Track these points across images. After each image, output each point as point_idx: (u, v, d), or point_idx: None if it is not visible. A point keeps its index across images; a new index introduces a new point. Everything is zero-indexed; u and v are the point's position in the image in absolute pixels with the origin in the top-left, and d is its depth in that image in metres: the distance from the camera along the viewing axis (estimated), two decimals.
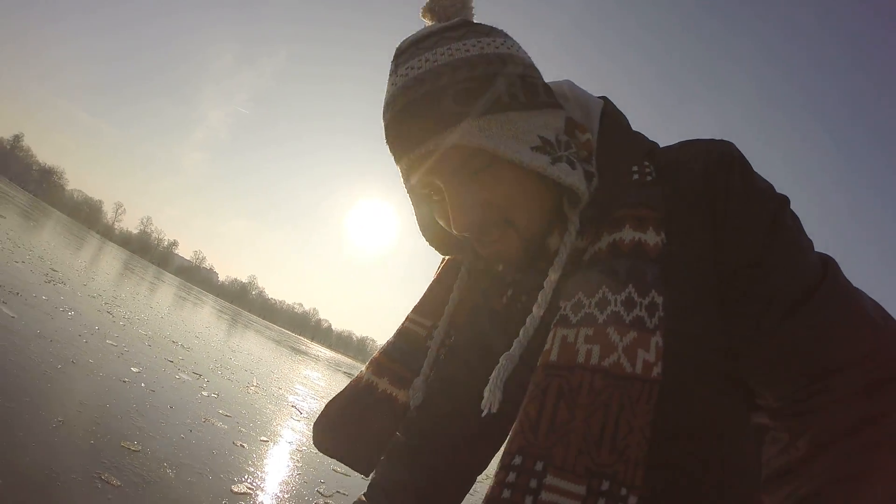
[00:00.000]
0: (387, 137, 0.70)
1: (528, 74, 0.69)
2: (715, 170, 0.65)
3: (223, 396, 6.95)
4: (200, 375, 7.68)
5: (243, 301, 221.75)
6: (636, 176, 0.68)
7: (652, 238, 0.63)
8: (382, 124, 0.71)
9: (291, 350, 34.03)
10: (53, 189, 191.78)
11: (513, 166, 0.66)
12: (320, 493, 4.56)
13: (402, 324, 0.87)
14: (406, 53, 0.70)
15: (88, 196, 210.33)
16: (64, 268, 12.28)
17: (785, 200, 0.64)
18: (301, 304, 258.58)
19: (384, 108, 0.70)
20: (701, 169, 0.66)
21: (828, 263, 0.63)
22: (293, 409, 8.81)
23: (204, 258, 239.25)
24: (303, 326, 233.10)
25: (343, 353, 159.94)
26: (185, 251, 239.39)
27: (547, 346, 0.63)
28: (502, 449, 0.64)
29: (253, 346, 19.60)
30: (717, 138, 0.70)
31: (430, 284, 0.89)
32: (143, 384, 5.45)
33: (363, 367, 0.87)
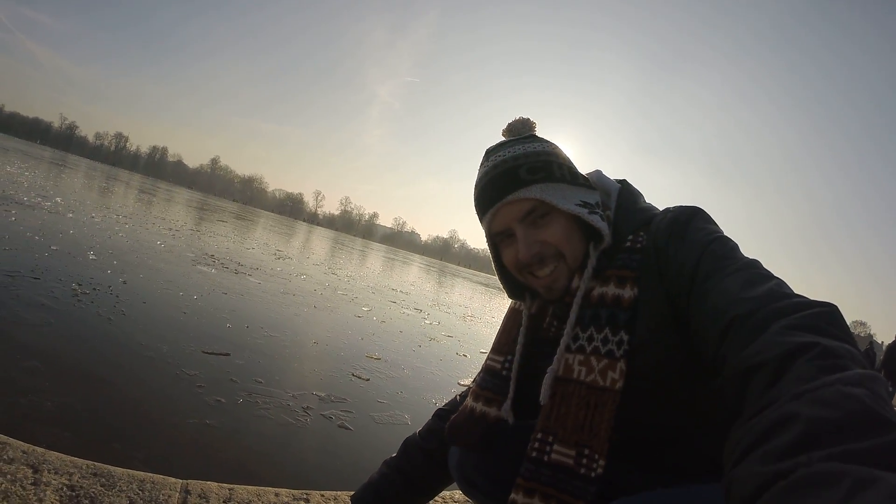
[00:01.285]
0: (479, 198, 1.01)
1: (570, 166, 1.00)
2: (662, 233, 0.90)
3: (444, 324, 7.68)
4: (421, 311, 8.56)
5: (448, 255, 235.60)
6: (628, 243, 0.94)
7: (627, 293, 0.89)
8: (474, 195, 1.03)
9: (499, 290, 35.51)
10: (257, 194, 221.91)
11: (563, 217, 0.95)
12: None
13: (485, 363, 1.18)
14: (494, 151, 1.01)
15: (289, 192, 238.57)
16: (286, 248, 14.42)
17: (715, 240, 0.84)
18: None
19: (477, 182, 1.02)
20: (657, 233, 0.91)
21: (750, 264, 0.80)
22: None
23: (404, 223, 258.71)
24: None
25: None
26: (385, 220, 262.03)
27: (556, 365, 0.94)
28: None
29: (463, 290, 20.96)
30: (683, 205, 0.94)
31: (498, 332, 1.20)
32: (374, 318, 6.30)
33: (468, 397, 1.18)
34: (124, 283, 4.38)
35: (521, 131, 1.05)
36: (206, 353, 3.11)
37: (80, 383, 2.25)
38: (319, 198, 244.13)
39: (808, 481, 0.39)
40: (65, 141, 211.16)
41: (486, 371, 1.15)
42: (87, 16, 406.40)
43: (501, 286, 1.13)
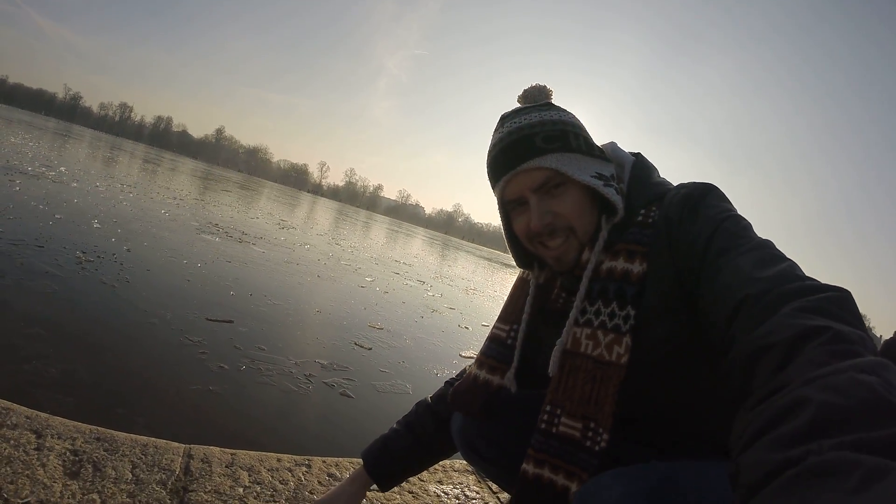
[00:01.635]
0: (492, 165, 0.99)
1: (587, 136, 0.98)
2: (675, 207, 0.88)
3: (446, 296, 7.70)
4: (424, 282, 8.59)
5: (451, 228, 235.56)
6: (640, 217, 0.93)
7: (636, 267, 0.89)
8: (487, 161, 1.00)
9: (502, 265, 35.60)
10: (261, 164, 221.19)
11: (577, 188, 0.94)
12: None
13: (491, 331, 1.17)
14: (509, 117, 1.00)
15: (294, 163, 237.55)
16: (290, 219, 14.42)
17: (728, 217, 0.83)
18: None
19: (490, 148, 1.00)
20: (669, 208, 0.90)
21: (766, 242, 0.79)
22: None
23: (409, 195, 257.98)
24: None
25: None
26: (390, 192, 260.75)
27: (564, 338, 0.94)
28: None
29: (466, 264, 21.04)
30: (697, 182, 0.93)
31: (506, 301, 1.19)
32: (377, 288, 6.32)
33: (473, 364, 1.18)
34: (128, 251, 4.39)
35: (537, 98, 1.03)
36: (210, 320, 3.13)
37: (83, 350, 2.26)
38: (324, 169, 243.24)
39: (819, 470, 0.38)
40: (69, 112, 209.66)
41: (492, 339, 1.16)
42: None
43: (510, 254, 1.12)
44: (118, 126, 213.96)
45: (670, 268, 0.86)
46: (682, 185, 0.95)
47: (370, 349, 3.54)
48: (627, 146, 1.10)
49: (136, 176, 13.57)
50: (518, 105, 1.05)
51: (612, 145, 1.07)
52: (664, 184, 1.00)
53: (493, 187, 1.02)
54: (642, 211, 0.95)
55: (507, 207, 1.02)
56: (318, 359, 3.01)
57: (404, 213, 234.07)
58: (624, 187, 0.99)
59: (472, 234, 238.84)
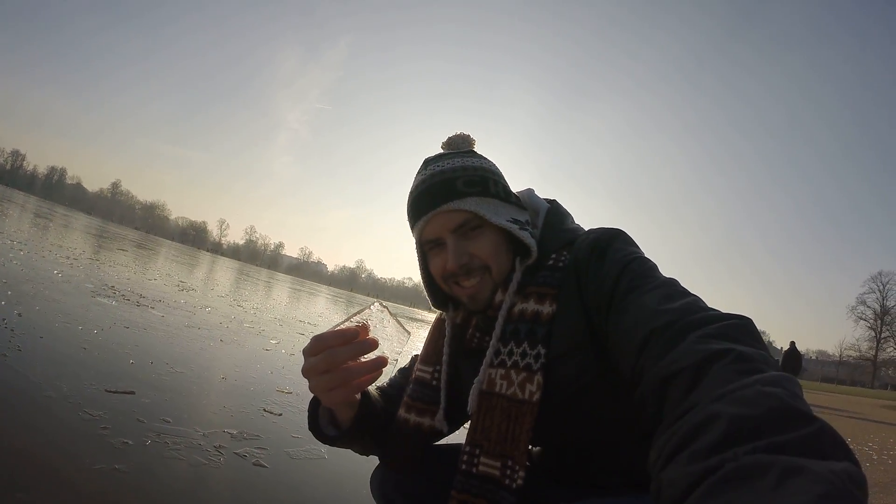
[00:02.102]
0: (413, 205, 1.05)
1: (505, 184, 1.07)
2: (584, 251, 0.96)
3: None
4: None
5: (355, 285, 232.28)
6: (551, 261, 1.00)
7: (546, 308, 0.95)
8: (408, 201, 1.06)
9: (408, 319, 35.51)
10: (159, 221, 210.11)
11: (493, 231, 1.02)
12: None
13: (415, 374, 1.20)
14: (432, 161, 1.07)
15: (192, 220, 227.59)
16: (189, 279, 13.72)
17: (634, 260, 0.90)
18: (411, 278, 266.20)
19: (412, 189, 1.06)
20: (578, 252, 0.97)
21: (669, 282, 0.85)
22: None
23: (310, 253, 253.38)
24: (415, 299, 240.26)
25: None
26: (291, 250, 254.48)
27: (481, 377, 0.99)
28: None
29: None
30: (606, 227, 1.01)
31: (425, 343, 1.23)
32: (283, 350, 6.17)
33: (400, 408, 1.18)
34: (19, 315, 4.07)
35: (460, 146, 1.10)
36: (110, 391, 2.95)
37: None
38: (224, 226, 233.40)
39: (737, 474, 0.40)
40: None
41: (417, 382, 1.17)
42: None
43: (426, 294, 1.17)
44: (9, 175, 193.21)
45: (579, 308, 0.92)
46: (591, 231, 1.02)
47: (280, 415, 3.48)
48: (537, 191, 1.20)
49: (26, 232, 12.49)
50: (441, 151, 1.11)
51: (529, 192, 1.15)
52: (576, 230, 1.07)
53: (412, 227, 1.06)
54: (553, 255, 1.01)
55: (425, 248, 1.07)
56: (227, 428, 2.93)
57: (307, 271, 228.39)
58: (537, 232, 1.06)
59: (376, 289, 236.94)
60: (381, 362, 0.84)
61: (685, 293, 0.80)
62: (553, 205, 1.14)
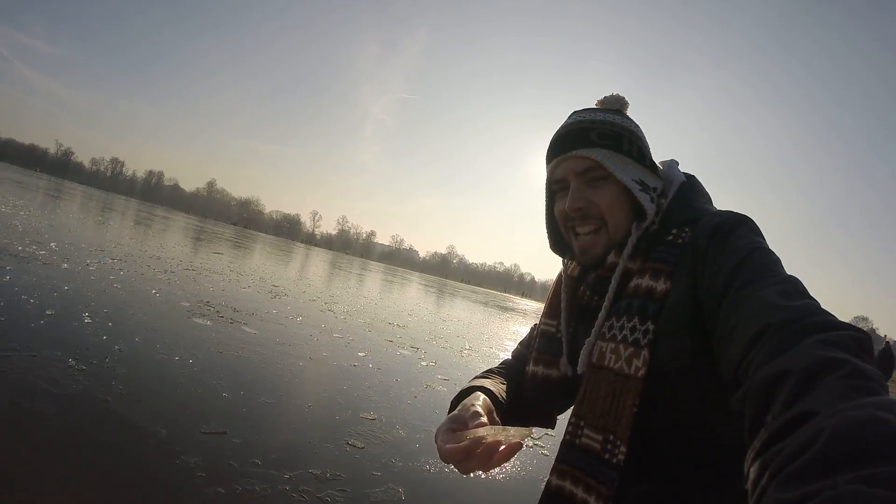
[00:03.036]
0: (549, 148, 1.09)
1: (642, 146, 1.05)
2: (704, 235, 0.93)
3: (440, 363, 7.78)
4: (418, 348, 8.65)
5: (446, 271, 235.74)
6: (671, 237, 0.99)
7: (660, 286, 0.93)
8: (549, 145, 1.10)
9: (499, 309, 35.58)
10: (254, 216, 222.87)
11: (616, 186, 1.01)
12: (534, 438, 4.97)
13: (540, 327, 1.21)
14: (577, 112, 1.09)
15: (286, 213, 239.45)
16: (283, 282, 14.56)
17: (757, 249, 0.86)
18: (502, 263, 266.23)
19: (555, 133, 1.08)
20: (701, 233, 0.94)
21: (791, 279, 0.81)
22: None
23: (402, 240, 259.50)
24: (507, 283, 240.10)
25: None
26: (383, 238, 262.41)
27: (591, 349, 0.99)
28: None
29: (462, 313, 21.10)
30: (732, 211, 0.97)
31: (549, 296, 1.24)
32: (370, 364, 6.40)
33: (528, 363, 1.19)
34: (120, 350, 4.47)
35: (611, 104, 1.11)
36: (204, 433, 3.20)
37: (89, 484, 2.34)
38: (316, 218, 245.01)
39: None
40: (61, 168, 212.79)
41: (542, 335, 1.19)
42: (83, 41, 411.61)
43: (547, 236, 1.20)
44: (110, 182, 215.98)
45: (690, 289, 0.91)
46: (717, 213, 0.99)
47: (363, 448, 3.61)
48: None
49: (126, 244, 13.64)
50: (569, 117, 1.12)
51: (672, 163, 1.14)
52: (704, 209, 1.04)
53: (547, 166, 1.11)
54: (674, 230, 1.00)
55: (553, 188, 1.10)
56: (311, 468, 3.08)
57: (399, 259, 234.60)
58: (664, 203, 1.04)
59: (467, 274, 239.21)
60: (515, 447, 0.83)
61: (805, 293, 0.77)
62: (690, 180, 1.12)
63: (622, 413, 0.89)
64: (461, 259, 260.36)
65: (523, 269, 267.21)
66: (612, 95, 1.12)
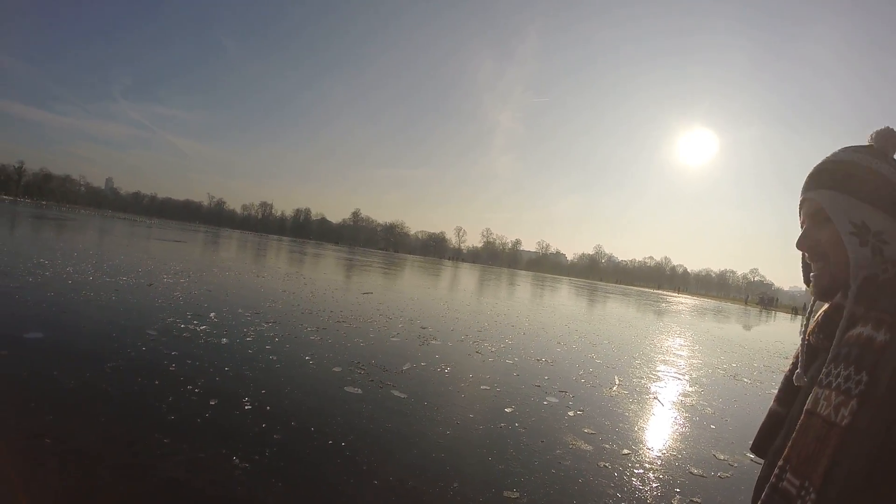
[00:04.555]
0: (803, 185, 1.14)
1: (879, 185, 1.02)
2: None
3: (588, 411, 7.40)
4: (566, 392, 8.34)
5: (595, 271, 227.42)
6: None
7: (881, 336, 0.91)
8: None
9: (654, 314, 33.43)
10: (400, 238, 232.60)
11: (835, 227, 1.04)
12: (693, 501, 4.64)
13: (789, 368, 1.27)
14: (840, 150, 1.12)
15: (431, 232, 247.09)
16: (430, 320, 14.98)
17: None
18: (651, 257, 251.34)
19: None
20: None
21: None
22: (655, 400, 8.76)
23: (547, 245, 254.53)
24: (660, 278, 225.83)
25: (704, 296, 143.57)
26: (529, 245, 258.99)
27: (809, 395, 1.01)
28: None
29: (612, 328, 20.04)
30: None
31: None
32: (516, 424, 6.30)
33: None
34: (276, 450, 4.48)
35: (872, 140, 1.11)
36: None
37: None
38: (461, 233, 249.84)
39: None
40: (216, 217, 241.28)
41: (785, 378, 1.27)
42: (213, 107, 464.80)
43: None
44: (261, 223, 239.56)
45: None
46: None
47: None
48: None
49: (280, 299, 14.23)
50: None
51: None
52: None
53: None
54: None
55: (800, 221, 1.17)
56: None
57: (546, 265, 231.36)
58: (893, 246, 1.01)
59: (617, 273, 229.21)
60: None
61: None
62: None
63: (819, 460, 0.90)
64: (609, 258, 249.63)
65: (674, 262, 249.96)
66: (879, 130, 1.09)
